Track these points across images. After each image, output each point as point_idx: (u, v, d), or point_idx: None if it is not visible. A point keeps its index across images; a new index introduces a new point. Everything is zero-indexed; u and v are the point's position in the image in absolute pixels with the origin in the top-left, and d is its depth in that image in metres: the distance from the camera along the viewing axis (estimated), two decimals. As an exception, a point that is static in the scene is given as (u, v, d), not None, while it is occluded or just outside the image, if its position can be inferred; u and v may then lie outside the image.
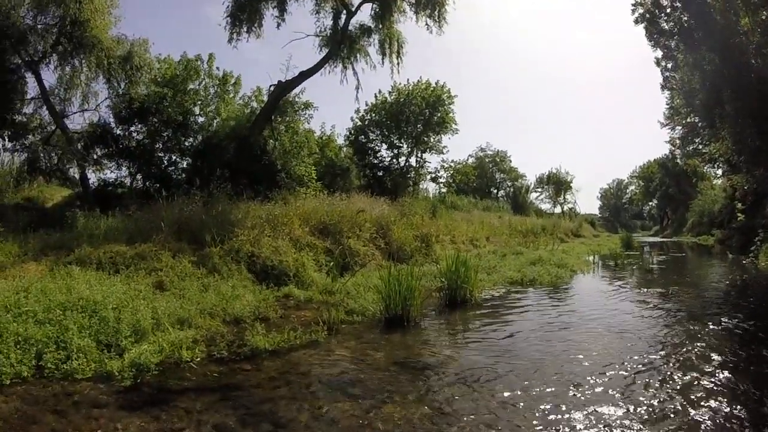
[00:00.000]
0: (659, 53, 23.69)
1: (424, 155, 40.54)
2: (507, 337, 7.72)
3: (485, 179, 57.81)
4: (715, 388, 5.40)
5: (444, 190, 44.67)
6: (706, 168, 55.48)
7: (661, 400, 5.07)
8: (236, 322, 7.75)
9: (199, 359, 6.04)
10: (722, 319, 9.01)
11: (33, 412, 4.52)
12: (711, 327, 8.33)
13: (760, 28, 18.24)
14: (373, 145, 38.75)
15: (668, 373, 5.92)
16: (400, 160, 39.15)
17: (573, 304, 10.96)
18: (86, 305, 6.58)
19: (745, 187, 25.11)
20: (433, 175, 44.22)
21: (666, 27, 22.22)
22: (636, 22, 22.91)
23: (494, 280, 13.31)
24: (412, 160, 39.94)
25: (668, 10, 21.52)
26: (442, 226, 21.06)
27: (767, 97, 17.27)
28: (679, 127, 46.19)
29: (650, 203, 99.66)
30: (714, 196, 48.04)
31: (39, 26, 20.06)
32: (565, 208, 74.17)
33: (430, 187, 43.60)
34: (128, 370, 5.47)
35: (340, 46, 24.68)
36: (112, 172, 23.50)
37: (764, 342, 7.43)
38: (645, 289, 13.09)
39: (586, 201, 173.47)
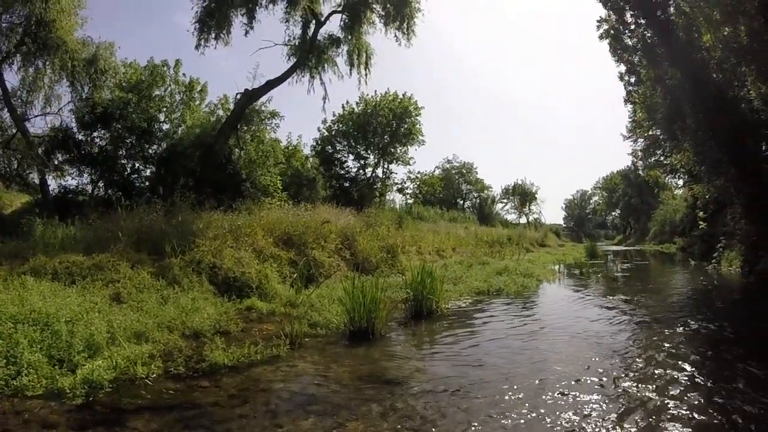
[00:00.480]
0: (623, 68, 24.24)
1: (391, 166, 40.74)
2: (474, 348, 7.67)
3: (452, 190, 58.35)
4: (685, 387, 5.55)
5: (410, 201, 44.81)
6: (667, 179, 56.70)
7: (634, 403, 5.14)
8: (196, 336, 7.53)
9: (155, 375, 5.83)
10: (689, 321, 9.29)
11: (-22, 432, 4.33)
12: (679, 330, 8.58)
13: (721, 44, 18.75)
14: (339, 155, 38.91)
15: (639, 375, 6.00)
16: (366, 170, 39.35)
17: (539, 312, 11.05)
18: (39, 318, 6.30)
19: (707, 197, 25.52)
20: (400, 186, 44.39)
21: (630, 43, 22.69)
22: (601, 37, 23.42)
23: (460, 291, 13.26)
24: (379, 171, 40.18)
25: (632, 27, 21.91)
26: (408, 237, 20.99)
27: (726, 110, 17.75)
28: (641, 140, 46.83)
29: (613, 213, 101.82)
30: (675, 205, 49.31)
31: (3, 25, 19.71)
32: (531, 218, 75.21)
33: (396, 198, 43.78)
34: (80, 387, 5.25)
35: (309, 55, 24.68)
36: (73, 179, 23.23)
37: (730, 342, 7.77)
38: (610, 297, 13.20)
39: (551, 211, 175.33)
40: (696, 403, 5.06)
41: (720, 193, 21.58)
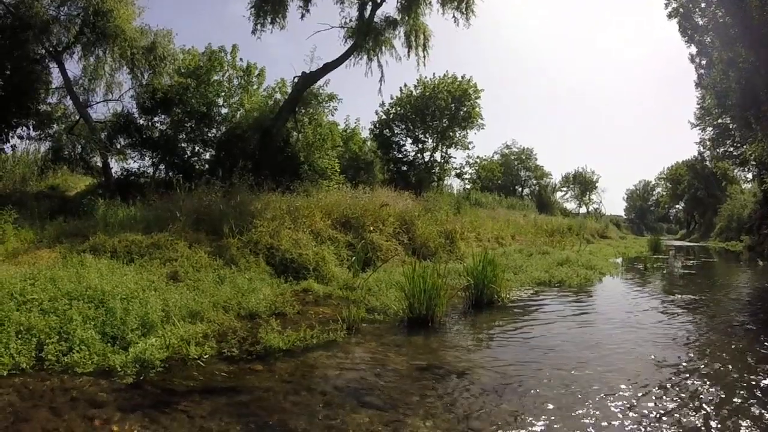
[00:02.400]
0: (693, 49, 23.48)
1: (449, 150, 40.11)
2: (538, 343, 7.19)
3: (510, 177, 57.35)
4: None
5: (468, 186, 44.09)
6: (736, 171, 54.36)
7: (712, 409, 4.70)
8: (251, 317, 7.33)
9: (207, 356, 5.62)
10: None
11: (27, 408, 4.18)
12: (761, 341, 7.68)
13: None
14: (397, 139, 38.56)
15: (719, 384, 5.41)
16: (424, 154, 38.93)
17: (604, 309, 10.32)
18: (94, 295, 6.24)
19: None
20: (458, 171, 43.67)
21: (701, 22, 21.91)
22: (669, 16, 22.92)
23: (521, 281, 12.80)
24: (437, 156, 39.64)
25: (703, 5, 21.27)
26: (467, 223, 20.51)
27: None
28: (710, 128, 46.50)
29: (677, 206, 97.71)
30: (743, 200, 47.13)
31: (62, 16, 20.08)
32: (590, 208, 73.16)
33: (454, 184, 43.15)
34: (132, 365, 5.09)
35: (366, 37, 24.30)
36: (135, 162, 23.50)
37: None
38: (677, 295, 12.42)
39: (612, 202, 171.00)
40: None
41: None
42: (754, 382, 5.46)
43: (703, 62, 24.09)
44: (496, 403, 4.81)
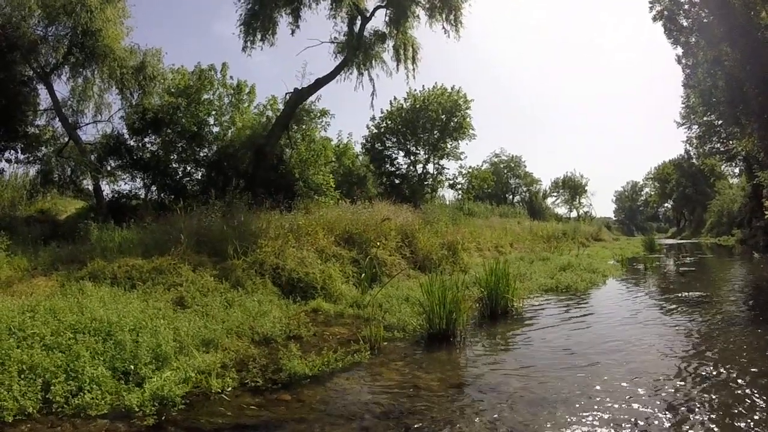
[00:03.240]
0: (680, 50, 23.91)
1: (442, 161, 39.97)
2: (562, 349, 7.11)
3: (501, 185, 57.44)
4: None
5: (461, 196, 43.91)
6: (724, 167, 55.14)
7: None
8: (266, 342, 6.93)
9: (230, 389, 5.25)
10: None
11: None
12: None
13: None
14: (389, 152, 38.46)
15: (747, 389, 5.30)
16: (417, 167, 38.72)
17: (618, 312, 10.30)
18: (100, 327, 5.83)
19: None
20: (452, 182, 43.49)
21: (685, 24, 22.25)
22: (655, 19, 23.52)
23: (529, 288, 12.76)
24: (430, 167, 39.43)
25: (686, 7, 21.77)
26: (467, 233, 20.26)
27: None
28: (696, 127, 47.25)
29: (666, 205, 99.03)
30: (733, 195, 48.19)
31: (50, 37, 19.81)
32: (581, 212, 73.23)
33: (447, 194, 42.95)
34: (150, 404, 4.66)
35: (356, 52, 24.07)
36: (126, 183, 23.07)
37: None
38: (686, 293, 12.57)
39: (601, 204, 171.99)
40: None
41: None
42: None
43: (690, 62, 24.28)
44: (539, 415, 4.60)
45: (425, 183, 38.64)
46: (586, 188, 75.21)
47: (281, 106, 24.01)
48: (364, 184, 30.48)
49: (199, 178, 23.76)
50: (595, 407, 4.74)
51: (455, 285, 7.96)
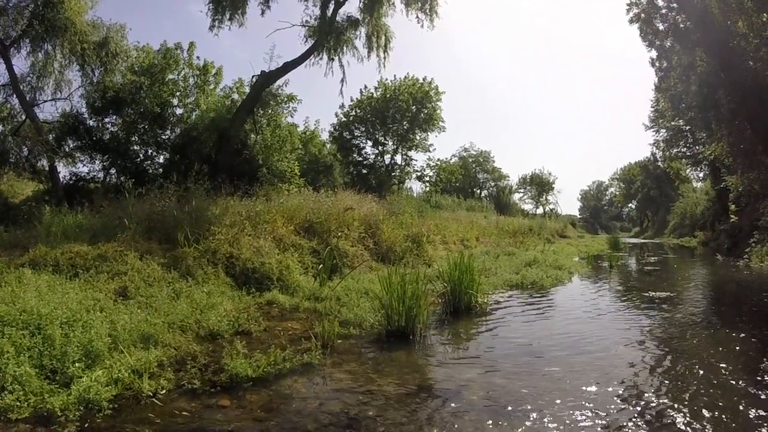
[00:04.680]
0: (654, 54, 23.98)
1: (410, 153, 39.80)
2: (527, 350, 6.86)
3: (469, 179, 57.83)
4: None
5: (429, 189, 43.83)
6: (689, 171, 56.43)
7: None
8: (212, 338, 6.51)
9: (165, 391, 4.81)
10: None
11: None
12: (743, 336, 7.71)
13: (752, 32, 18.25)
14: (357, 142, 38.28)
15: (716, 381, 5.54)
16: (385, 157, 38.53)
17: (584, 311, 10.10)
18: (29, 320, 5.33)
19: (739, 189, 24.70)
20: (419, 174, 43.36)
21: (661, 27, 22.35)
22: (631, 21, 23.24)
23: (494, 283, 12.57)
24: (398, 158, 39.25)
25: (663, 11, 21.68)
26: (433, 225, 20.01)
27: (764, 101, 17.43)
28: (664, 130, 48.78)
29: (630, 205, 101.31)
30: (696, 198, 49.24)
31: (10, 8, 18.89)
32: (547, 208, 74.00)
33: (414, 186, 42.85)
34: (74, 408, 4.22)
35: (327, 37, 23.60)
36: (84, 165, 22.34)
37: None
38: (652, 292, 12.48)
39: (567, 202, 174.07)
40: None
41: (761, 186, 20.84)
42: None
43: (663, 66, 24.46)
44: (501, 428, 4.32)
45: (393, 174, 38.51)
46: (553, 186, 76.07)
47: (248, 90, 23.52)
48: (330, 172, 30.17)
49: (161, 161, 23.18)
50: (562, 418, 4.50)
51: (417, 279, 7.64)
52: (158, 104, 21.81)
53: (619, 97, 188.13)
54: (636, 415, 4.62)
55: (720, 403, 4.89)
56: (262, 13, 22.58)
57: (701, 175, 52.42)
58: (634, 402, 4.94)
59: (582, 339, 7.57)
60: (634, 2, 22.81)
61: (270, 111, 23.72)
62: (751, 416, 4.57)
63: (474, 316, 9.12)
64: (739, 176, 22.50)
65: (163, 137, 22.97)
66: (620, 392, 5.18)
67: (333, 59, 24.75)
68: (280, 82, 23.41)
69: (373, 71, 39.97)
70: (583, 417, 4.52)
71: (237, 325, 7.06)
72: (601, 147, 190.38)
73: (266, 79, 22.19)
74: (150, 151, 23.12)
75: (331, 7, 23.34)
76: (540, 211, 70.39)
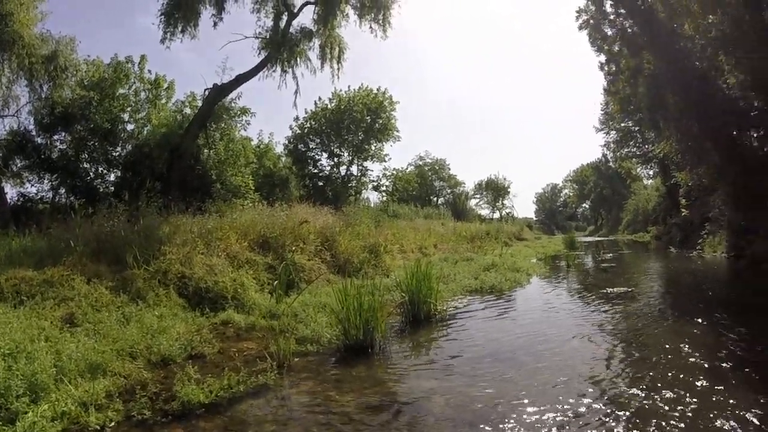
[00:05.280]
0: (603, 58, 25.18)
1: (366, 163, 39.90)
2: (491, 360, 6.79)
3: (425, 187, 58.43)
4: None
5: (386, 198, 43.92)
6: (639, 169, 58.95)
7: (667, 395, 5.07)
8: (164, 364, 6.29)
9: (113, 423, 4.63)
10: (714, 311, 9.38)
11: None
12: (700, 322, 8.46)
13: (698, 34, 19.40)
14: (312, 154, 38.18)
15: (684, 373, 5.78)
16: (340, 168, 38.53)
17: (544, 312, 10.33)
18: (-30, 353, 5.10)
19: (689, 184, 26.36)
20: (375, 184, 43.43)
21: (610, 33, 23.49)
22: (580, 28, 24.52)
23: (453, 290, 12.63)
24: (354, 169, 39.25)
25: (611, 17, 22.87)
26: (390, 235, 20.01)
27: (709, 98, 18.40)
28: (614, 132, 52.10)
29: (584, 205, 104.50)
30: (647, 195, 51.53)
31: (-45, 19, 18.09)
32: (504, 212, 75.04)
33: (371, 197, 42.89)
34: (19, 446, 3.99)
35: (281, 48, 23.56)
36: (33, 185, 21.59)
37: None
38: (611, 289, 12.99)
39: (523, 205, 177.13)
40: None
41: (707, 180, 21.83)
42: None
43: (612, 69, 25.33)
44: None
45: (349, 185, 38.49)
46: (508, 190, 77.38)
47: (200, 104, 23.16)
48: (286, 186, 29.98)
49: (112, 179, 22.61)
50: (524, 420, 4.58)
51: (374, 290, 7.60)
52: (108, 120, 21.33)
53: (571, 101, 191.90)
54: (598, 410, 4.82)
55: (679, 385, 5.31)
56: (215, 25, 22.40)
57: (651, 172, 55.60)
58: (596, 396, 5.16)
59: (541, 339, 7.80)
60: (583, 9, 24.02)
61: (223, 125, 23.54)
62: (708, 394, 5.07)
63: (434, 325, 9.13)
64: (689, 172, 23.77)
65: (114, 154, 22.48)
66: (581, 388, 5.39)
67: (287, 71, 24.75)
68: (233, 95, 23.36)
69: (328, 83, 39.79)
70: (546, 417, 4.61)
71: (190, 348, 6.84)
72: (555, 151, 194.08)
73: (219, 92, 21.96)
74: (100, 168, 22.57)
75: (285, 18, 23.37)
76: (497, 215, 71.39)
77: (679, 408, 4.71)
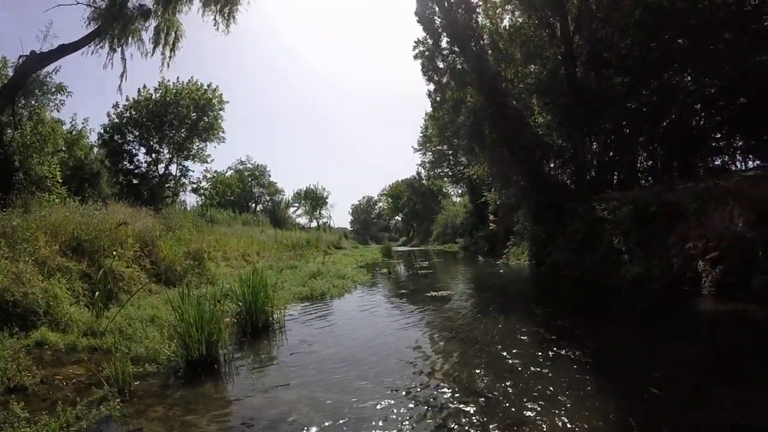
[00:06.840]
0: (432, 87, 27.71)
1: (186, 163, 37.81)
2: (335, 363, 6.87)
3: (244, 193, 57.59)
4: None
5: (204, 202, 42.11)
6: (450, 188, 65.32)
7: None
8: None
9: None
10: (532, 307, 10.99)
11: None
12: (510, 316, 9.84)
13: (516, 79, 24.12)
14: (130, 147, 35.01)
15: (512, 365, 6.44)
16: (159, 167, 35.98)
17: (376, 315, 10.88)
18: None
19: (497, 203, 30.03)
20: (195, 186, 41.37)
21: (441, 66, 26.30)
22: (415, 57, 27.04)
23: (285, 298, 12.53)
24: (173, 168, 36.98)
25: (445, 52, 25.41)
26: (213, 241, 19.10)
27: (520, 133, 21.37)
28: (430, 153, 60.10)
29: (397, 217, 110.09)
30: (456, 210, 55.85)
31: None
32: (321, 222, 76.21)
33: (189, 199, 40.92)
34: None
35: (114, 23, 21.35)
36: None
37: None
38: (434, 293, 13.87)
39: (338, 215, 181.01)
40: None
41: (514, 199, 24.91)
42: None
43: (438, 98, 27.75)
44: None
45: (167, 185, 36.14)
46: (326, 200, 78.87)
47: (11, 72, 20.02)
48: (97, 181, 27.28)
49: None
50: (364, 417, 4.80)
51: (213, 300, 7.19)
52: None
53: (391, 122, 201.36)
54: (425, 383, 5.77)
55: (497, 370, 6.19)
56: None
57: (460, 191, 61.81)
58: (423, 379, 5.95)
59: (376, 340, 8.27)
60: (421, 41, 26.48)
61: (34, 101, 20.53)
62: (521, 372, 6.06)
63: (273, 334, 9.00)
64: (498, 192, 27.92)
65: None
66: (412, 376, 6.13)
67: (115, 50, 22.45)
68: (50, 68, 20.61)
69: (158, 68, 36.98)
70: (388, 412, 4.97)
71: (6, 379, 5.54)
72: (372, 166, 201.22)
73: (37, 61, 19.13)
74: None
75: (124, -11, 21.13)
76: (315, 224, 72.07)
77: (486, 377, 5.89)
